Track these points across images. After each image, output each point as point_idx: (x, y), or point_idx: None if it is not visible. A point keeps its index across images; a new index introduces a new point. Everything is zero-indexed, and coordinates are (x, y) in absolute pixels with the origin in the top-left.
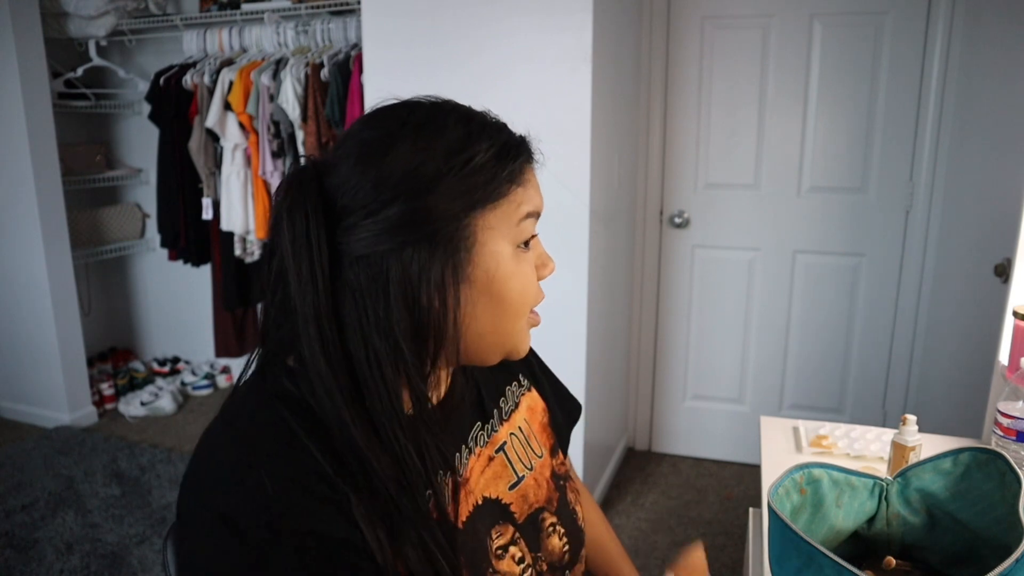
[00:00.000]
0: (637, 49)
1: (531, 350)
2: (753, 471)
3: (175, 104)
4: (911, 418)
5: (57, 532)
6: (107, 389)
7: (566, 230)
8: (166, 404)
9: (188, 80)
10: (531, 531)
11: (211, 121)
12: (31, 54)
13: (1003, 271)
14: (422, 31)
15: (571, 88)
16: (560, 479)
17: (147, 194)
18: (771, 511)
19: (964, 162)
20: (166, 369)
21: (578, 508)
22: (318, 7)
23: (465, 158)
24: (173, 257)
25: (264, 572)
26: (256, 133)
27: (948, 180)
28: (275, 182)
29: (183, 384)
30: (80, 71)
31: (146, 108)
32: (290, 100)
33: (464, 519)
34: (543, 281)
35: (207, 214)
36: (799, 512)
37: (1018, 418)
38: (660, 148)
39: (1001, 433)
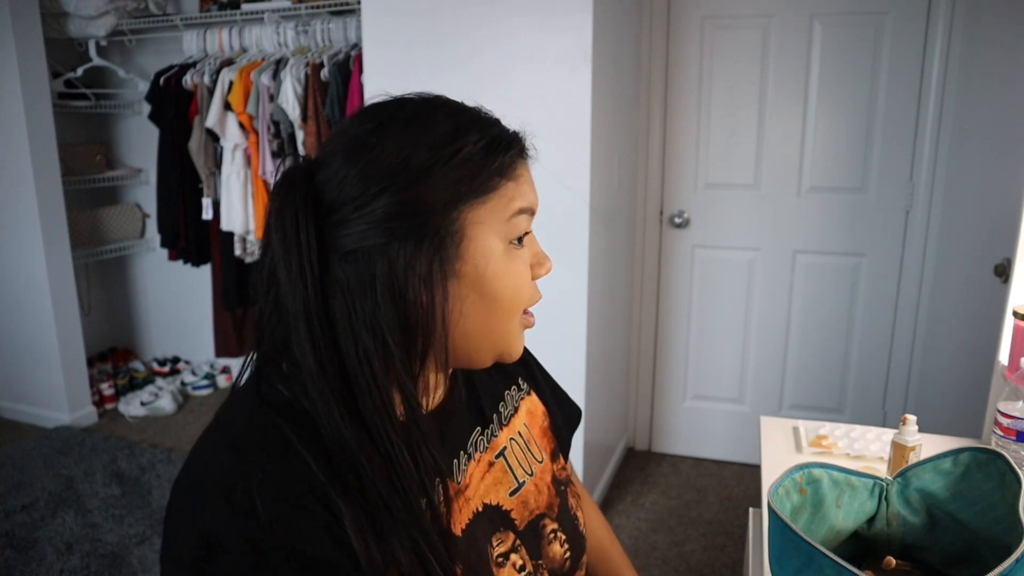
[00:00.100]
0: (637, 49)
1: (530, 354)
2: (753, 471)
3: (175, 104)
4: (911, 418)
5: (57, 532)
6: (107, 389)
7: (566, 230)
8: (166, 404)
9: (188, 80)
10: (532, 538)
11: (211, 121)
12: (31, 54)
13: (1003, 271)
14: (422, 31)
15: (571, 88)
16: (561, 484)
17: (147, 194)
18: (771, 511)
19: (964, 162)
20: (166, 369)
21: (579, 514)
22: (318, 7)
23: (452, 150)
24: (173, 257)
25: None
26: (256, 133)
27: (948, 180)
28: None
29: (183, 384)
30: (80, 71)
31: (146, 108)
32: (290, 100)
33: (463, 527)
34: (541, 281)
35: (207, 214)
36: (799, 512)
37: (1018, 418)
38: (660, 148)
39: (1001, 433)
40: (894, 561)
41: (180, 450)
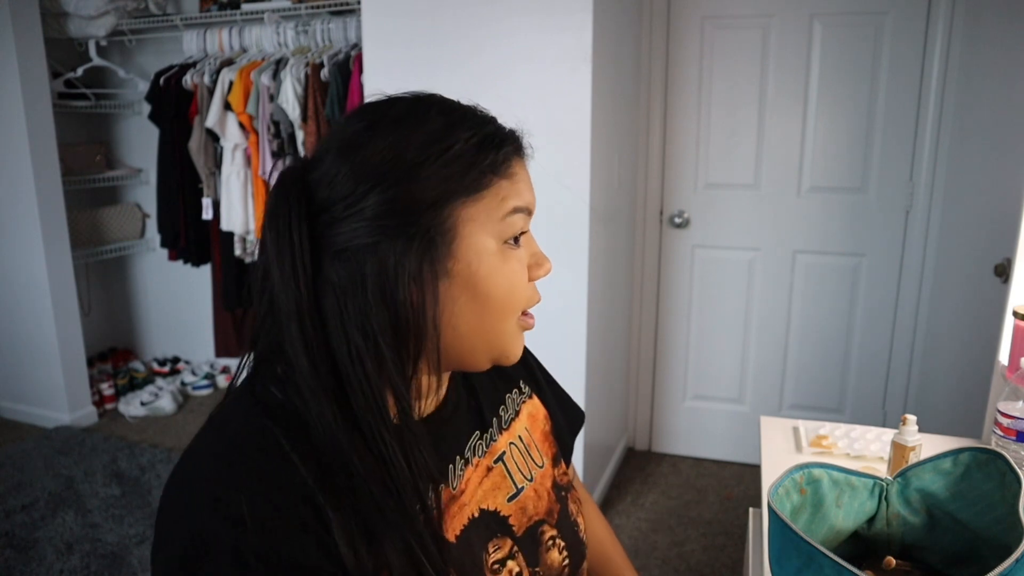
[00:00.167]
0: (637, 49)
1: (532, 356)
2: (753, 471)
3: (175, 104)
4: (911, 418)
5: (57, 532)
6: (107, 389)
7: (566, 230)
8: (166, 404)
9: (188, 80)
10: (529, 544)
11: (211, 121)
12: (31, 54)
13: (1003, 271)
14: (422, 31)
15: (571, 88)
16: (561, 490)
17: (147, 194)
18: (771, 511)
19: (964, 162)
20: (166, 369)
21: (580, 520)
22: (318, 7)
23: (443, 147)
24: (173, 257)
25: None
26: (256, 133)
27: (948, 180)
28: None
29: (183, 384)
30: (80, 71)
31: (146, 108)
32: (290, 100)
33: (458, 532)
34: (540, 281)
35: (207, 214)
36: (799, 512)
37: (1018, 418)
38: (660, 148)
39: (1001, 433)
40: (894, 561)
41: (180, 450)
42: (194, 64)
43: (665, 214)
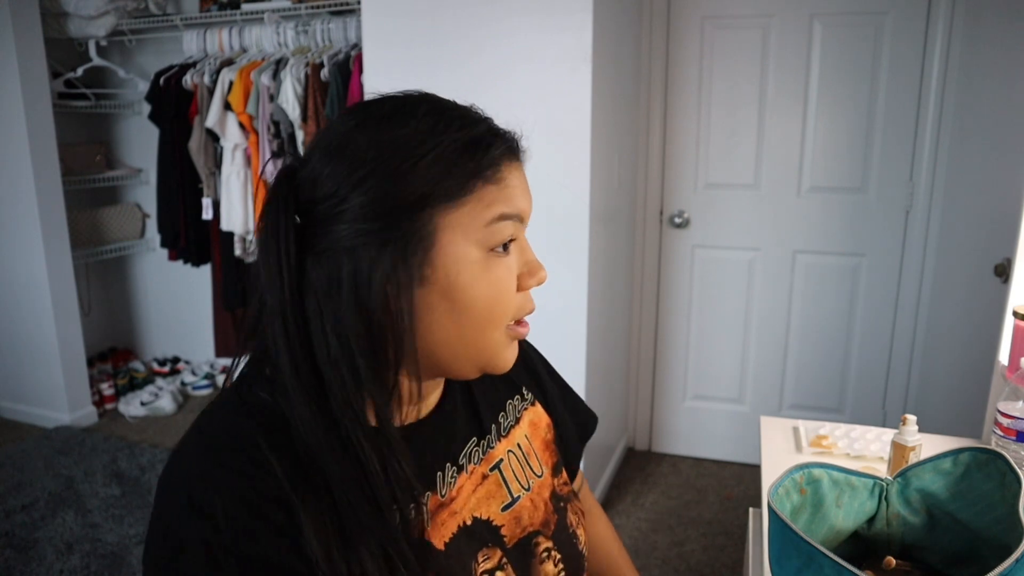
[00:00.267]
0: (637, 49)
1: (541, 361)
2: (753, 471)
3: (175, 104)
4: (911, 418)
5: (57, 532)
6: (107, 389)
7: (566, 230)
8: (166, 404)
9: (188, 80)
10: (520, 556)
11: (211, 121)
12: (31, 54)
13: (1003, 271)
14: (422, 31)
15: (571, 88)
16: (560, 500)
17: (147, 194)
18: (771, 511)
19: (964, 162)
20: (166, 369)
21: (580, 532)
22: (318, 7)
23: (425, 150)
24: (173, 257)
25: None
26: (256, 133)
27: (948, 180)
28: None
29: (183, 384)
30: (80, 71)
31: (146, 108)
32: (290, 100)
33: (447, 539)
34: (541, 286)
35: (207, 214)
36: (799, 512)
37: (1018, 418)
38: (660, 148)
39: (1001, 433)
40: (894, 561)
41: None
42: (194, 64)
43: (665, 214)
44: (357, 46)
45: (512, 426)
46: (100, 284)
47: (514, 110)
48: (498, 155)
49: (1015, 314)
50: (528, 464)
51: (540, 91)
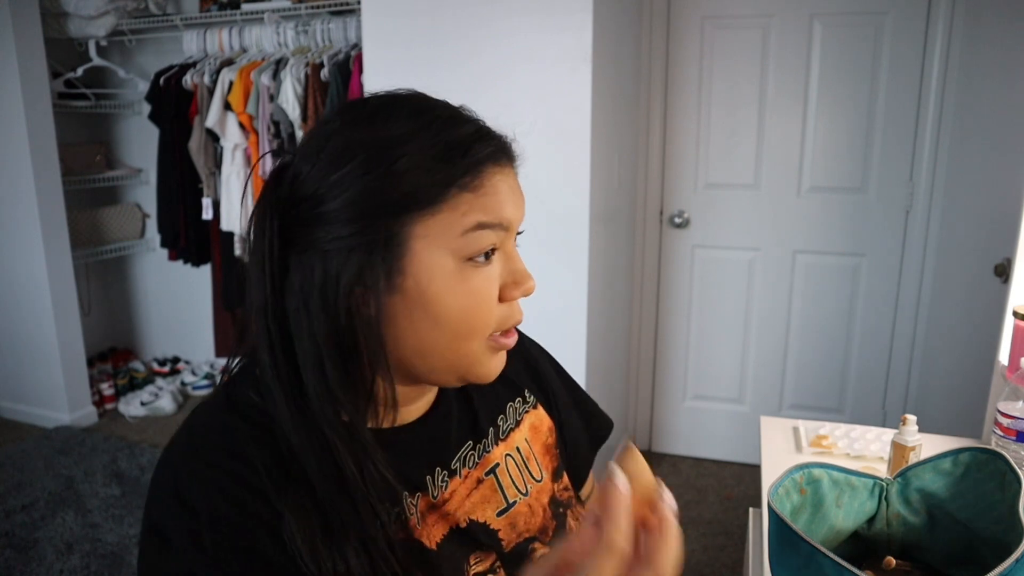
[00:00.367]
0: (637, 49)
1: (553, 363)
2: (753, 471)
3: (175, 104)
4: (911, 418)
5: (57, 532)
6: (107, 389)
7: (566, 230)
8: (166, 404)
9: (188, 80)
10: (516, 562)
11: (211, 121)
12: (31, 54)
13: (1003, 271)
14: (422, 31)
15: (571, 88)
16: (560, 506)
17: (147, 194)
18: (771, 511)
19: (964, 162)
20: (166, 369)
21: None
22: (318, 7)
23: (398, 154)
24: (173, 257)
25: None
26: (256, 133)
27: (948, 180)
28: None
29: (183, 384)
30: (80, 71)
31: (146, 108)
32: (290, 100)
33: (438, 540)
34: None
35: (207, 214)
36: (799, 512)
37: (1018, 418)
38: (660, 148)
39: (1001, 433)
40: (894, 561)
41: None
42: (194, 64)
43: (665, 214)
44: (357, 46)
45: (512, 429)
46: (100, 284)
47: (514, 110)
48: (479, 160)
49: (1015, 314)
50: (527, 468)
51: (540, 91)
